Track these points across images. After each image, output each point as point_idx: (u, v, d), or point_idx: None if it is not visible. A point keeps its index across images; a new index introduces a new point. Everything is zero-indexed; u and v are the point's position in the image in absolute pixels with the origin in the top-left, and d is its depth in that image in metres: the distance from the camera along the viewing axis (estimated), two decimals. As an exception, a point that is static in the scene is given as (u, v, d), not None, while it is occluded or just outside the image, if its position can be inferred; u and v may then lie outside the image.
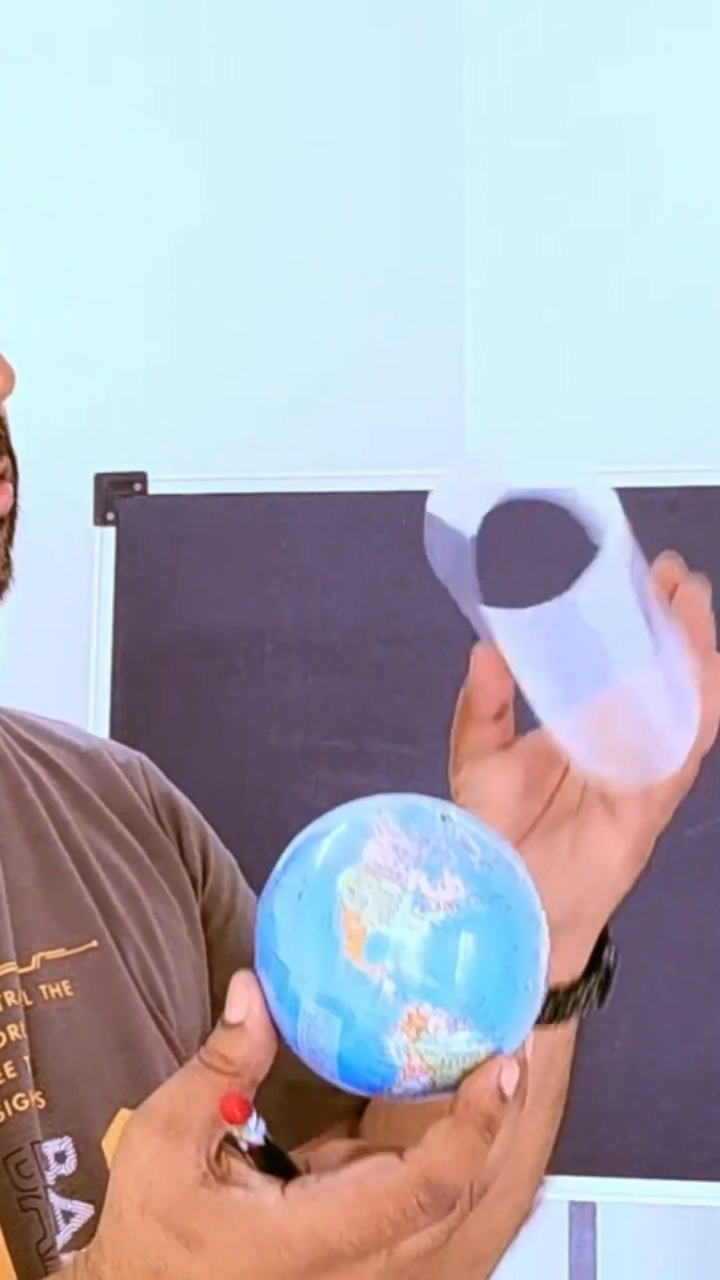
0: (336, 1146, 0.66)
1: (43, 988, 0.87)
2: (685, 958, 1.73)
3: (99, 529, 1.85)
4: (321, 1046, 0.62)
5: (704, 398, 2.19)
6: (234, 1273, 0.62)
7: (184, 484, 1.88)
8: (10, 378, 0.86)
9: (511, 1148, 0.63)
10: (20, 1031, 0.84)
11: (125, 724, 1.81)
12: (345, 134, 2.30)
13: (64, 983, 0.88)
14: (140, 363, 2.11)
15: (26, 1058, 0.84)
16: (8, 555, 0.89)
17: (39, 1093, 0.84)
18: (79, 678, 1.83)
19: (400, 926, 0.60)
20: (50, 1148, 0.83)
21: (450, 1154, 0.61)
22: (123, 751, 1.03)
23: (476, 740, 0.79)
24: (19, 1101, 0.83)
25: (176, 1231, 0.62)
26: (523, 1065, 0.63)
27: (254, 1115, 0.63)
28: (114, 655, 1.83)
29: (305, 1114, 0.85)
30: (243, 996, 0.63)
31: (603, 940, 0.86)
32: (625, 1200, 1.80)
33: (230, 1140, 0.63)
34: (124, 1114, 0.85)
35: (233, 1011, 0.64)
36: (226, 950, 0.97)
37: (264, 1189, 0.62)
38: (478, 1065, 0.61)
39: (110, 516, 1.86)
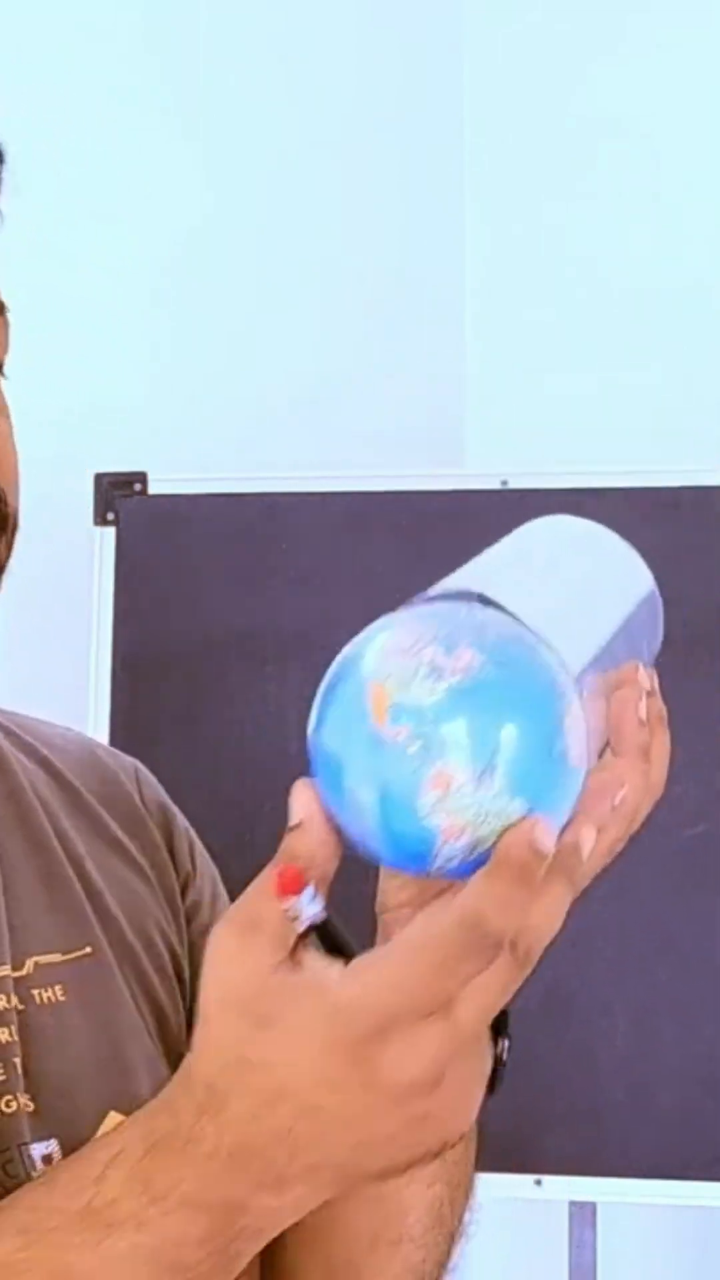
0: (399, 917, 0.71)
1: (35, 992, 0.87)
2: (685, 957, 1.74)
3: (99, 529, 1.85)
4: (368, 825, 0.66)
5: (704, 398, 2.19)
6: (308, 1048, 0.65)
7: (184, 484, 1.88)
8: None
9: (560, 916, 0.65)
10: (11, 1035, 0.85)
11: (125, 724, 1.81)
12: (345, 134, 2.30)
13: (57, 988, 0.88)
14: (140, 363, 2.11)
15: (17, 1060, 0.85)
16: None
17: (28, 1095, 0.85)
18: (79, 678, 1.83)
19: (419, 692, 0.64)
20: (38, 1150, 0.84)
21: (487, 899, 0.63)
22: (121, 756, 1.04)
23: None
24: (7, 1104, 0.84)
25: (252, 1018, 0.66)
26: (572, 843, 0.65)
27: (311, 889, 0.67)
28: (114, 655, 1.83)
29: None
30: (301, 798, 0.68)
31: (501, 1026, 0.83)
32: (625, 1200, 1.80)
33: (304, 937, 0.67)
34: (113, 1117, 0.85)
35: (294, 814, 0.68)
36: (200, 958, 0.98)
37: (330, 966, 0.66)
38: (513, 826, 0.64)
39: (110, 516, 1.85)
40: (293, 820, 0.68)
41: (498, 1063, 0.82)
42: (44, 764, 0.97)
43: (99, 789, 0.99)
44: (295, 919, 0.67)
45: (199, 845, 1.02)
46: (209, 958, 0.68)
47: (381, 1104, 0.66)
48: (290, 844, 0.68)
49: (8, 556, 0.91)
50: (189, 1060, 0.69)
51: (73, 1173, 0.72)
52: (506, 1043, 0.82)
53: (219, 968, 0.68)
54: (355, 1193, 0.81)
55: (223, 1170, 0.68)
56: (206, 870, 1.02)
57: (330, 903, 0.69)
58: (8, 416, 0.92)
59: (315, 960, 0.67)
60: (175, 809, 1.03)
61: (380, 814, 0.65)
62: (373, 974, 0.65)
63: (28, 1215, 0.72)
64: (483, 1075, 0.68)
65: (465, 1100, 0.68)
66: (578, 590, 0.74)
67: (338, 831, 0.67)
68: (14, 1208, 0.73)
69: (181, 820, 1.02)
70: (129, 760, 1.04)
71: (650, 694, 0.72)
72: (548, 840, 0.63)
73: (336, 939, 0.68)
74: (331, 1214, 0.86)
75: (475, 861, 0.65)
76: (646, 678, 0.73)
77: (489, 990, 0.65)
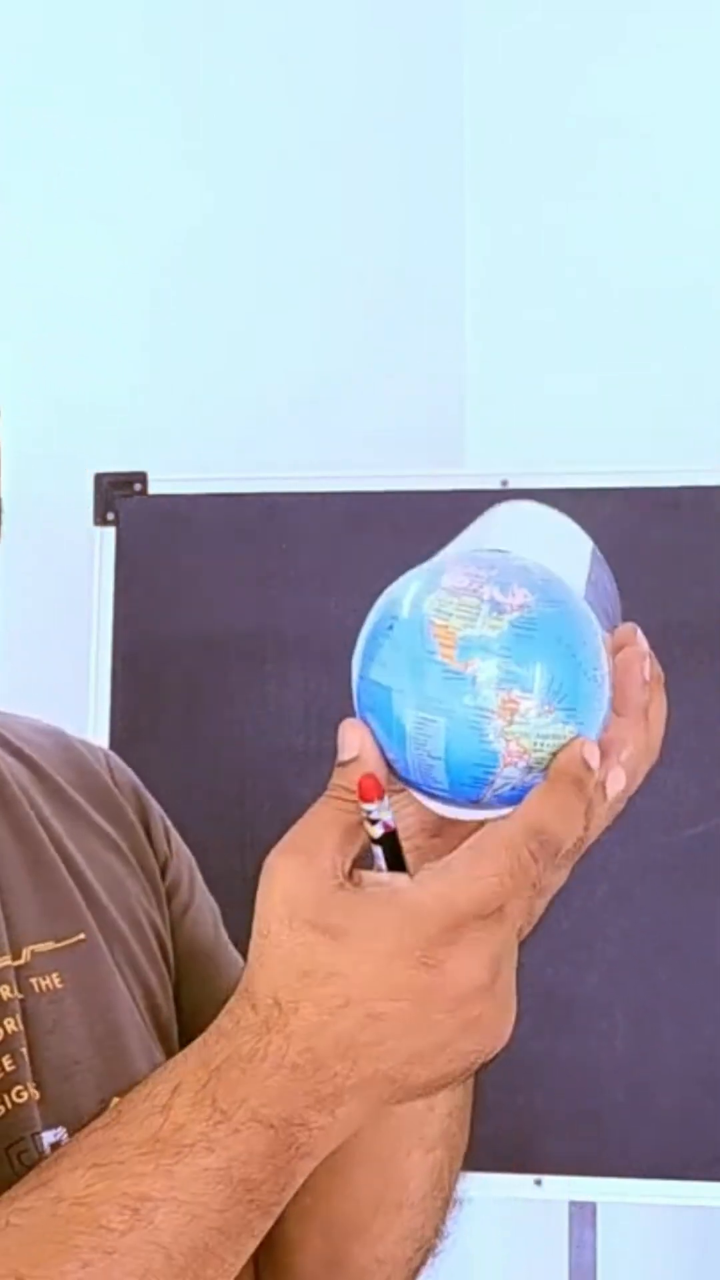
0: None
1: (34, 981, 0.88)
2: (685, 958, 1.74)
3: (99, 529, 1.85)
4: (429, 757, 0.70)
5: (704, 398, 2.19)
6: (375, 955, 0.69)
7: (184, 484, 1.88)
8: None
9: (589, 839, 0.71)
10: (17, 1024, 0.85)
11: (125, 724, 1.81)
12: (345, 134, 2.30)
13: (54, 975, 0.89)
14: (140, 363, 2.11)
15: (24, 1050, 0.85)
16: None
17: (34, 1084, 0.85)
18: (79, 678, 1.83)
19: (484, 628, 0.69)
20: (47, 1138, 0.84)
21: (550, 807, 0.69)
22: (90, 743, 1.05)
23: None
24: (18, 1094, 0.84)
25: (321, 928, 0.69)
26: (600, 780, 0.71)
27: (386, 797, 0.71)
28: (114, 655, 1.83)
29: None
30: (352, 734, 0.72)
31: None
32: (625, 1200, 1.80)
33: (358, 863, 0.72)
34: (117, 1103, 0.86)
35: (345, 750, 0.72)
36: (184, 937, 1.00)
37: (396, 878, 0.71)
38: (564, 746, 0.70)
39: (110, 516, 1.86)
40: (345, 755, 0.72)
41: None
42: (19, 756, 0.98)
43: (75, 779, 1.00)
44: (375, 823, 0.71)
45: (173, 828, 1.04)
46: (267, 880, 0.71)
47: (441, 1009, 0.69)
48: (342, 779, 0.71)
49: None
50: (247, 980, 0.72)
51: (137, 1107, 0.74)
52: None
53: (283, 886, 0.70)
54: (381, 1121, 0.83)
55: (286, 1084, 0.70)
56: (182, 852, 1.03)
57: None
58: None
59: (376, 877, 0.71)
60: (148, 793, 1.04)
61: (446, 741, 0.70)
62: (442, 880, 0.69)
63: (96, 1151, 0.73)
64: (514, 983, 0.72)
65: (509, 1003, 0.71)
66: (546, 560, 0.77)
67: (388, 765, 0.72)
68: (81, 1146, 0.74)
69: (155, 804, 1.04)
70: (99, 748, 1.05)
71: (648, 656, 0.75)
72: (596, 756, 0.70)
73: (398, 856, 0.72)
74: (334, 1180, 0.88)
75: (522, 789, 0.70)
76: (644, 640, 0.75)
77: (534, 896, 0.70)
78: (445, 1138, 0.89)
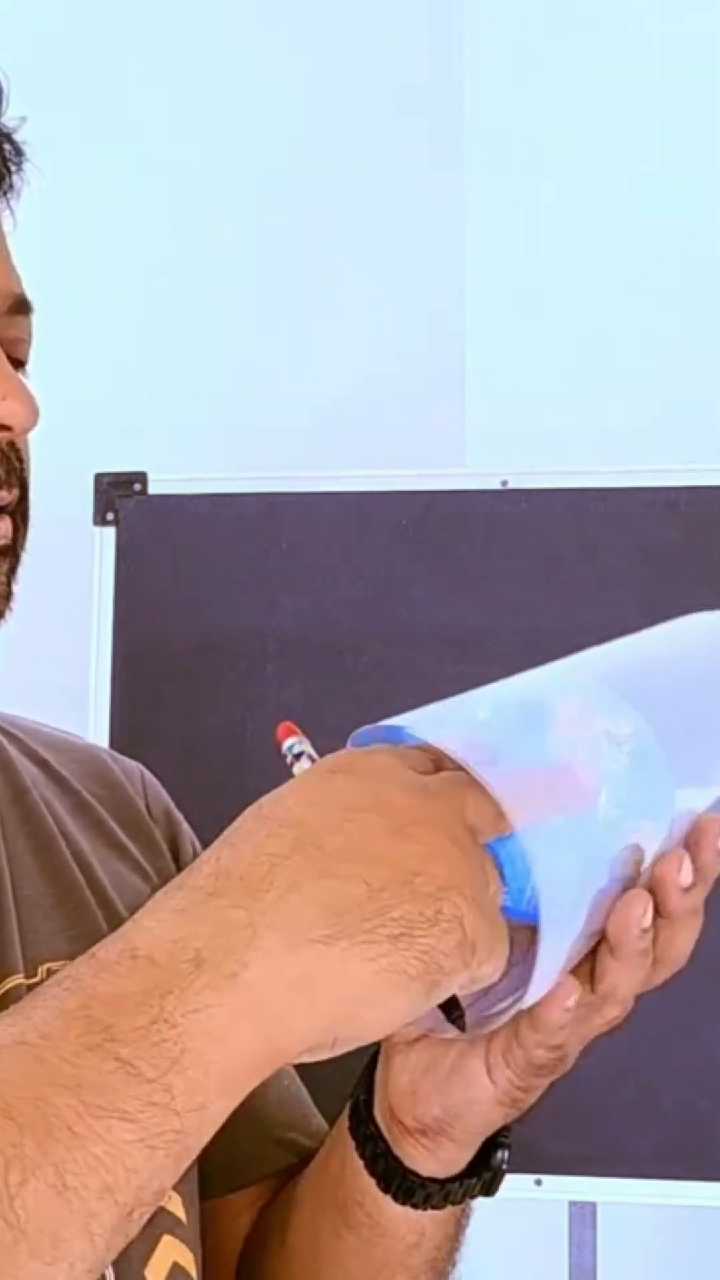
0: None
1: None
2: (685, 958, 1.73)
3: (99, 529, 1.85)
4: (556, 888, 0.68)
5: (704, 398, 2.19)
6: (315, 774, 0.69)
7: (184, 484, 1.88)
8: (34, 412, 0.86)
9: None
10: None
11: (125, 725, 1.81)
12: (346, 132, 2.30)
13: None
14: (140, 363, 2.11)
15: None
16: (9, 586, 0.89)
17: None
18: (79, 678, 1.83)
19: (608, 762, 0.69)
20: None
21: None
22: (125, 760, 1.03)
23: None
24: None
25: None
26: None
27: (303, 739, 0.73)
28: (114, 655, 1.83)
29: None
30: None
31: (497, 1140, 0.84)
32: (625, 1200, 1.80)
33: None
34: None
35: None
36: None
37: None
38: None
39: (110, 516, 1.85)
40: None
41: (496, 1172, 0.83)
42: (44, 767, 0.97)
43: (100, 792, 0.98)
44: (300, 758, 0.73)
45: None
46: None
47: (366, 798, 0.66)
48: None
49: (22, 544, 0.91)
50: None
51: None
52: (505, 1153, 0.83)
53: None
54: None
55: (184, 906, 0.66)
56: None
57: None
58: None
59: None
60: (180, 816, 1.02)
61: (579, 876, 0.68)
62: None
63: None
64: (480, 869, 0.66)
65: (465, 850, 0.65)
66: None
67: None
68: None
69: (186, 828, 1.02)
70: (134, 765, 1.03)
71: (686, 859, 0.72)
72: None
73: None
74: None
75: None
76: (687, 871, 0.72)
77: None
78: (432, 1265, 0.88)
